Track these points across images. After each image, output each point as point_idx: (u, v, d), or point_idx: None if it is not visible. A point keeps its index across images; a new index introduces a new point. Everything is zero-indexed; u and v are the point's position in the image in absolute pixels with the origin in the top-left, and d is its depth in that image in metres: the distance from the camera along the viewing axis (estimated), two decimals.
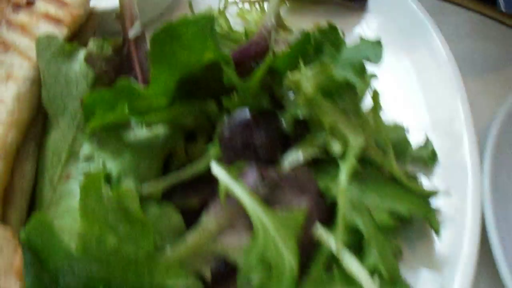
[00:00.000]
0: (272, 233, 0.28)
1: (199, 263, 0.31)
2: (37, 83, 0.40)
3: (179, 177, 0.33)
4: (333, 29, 0.37)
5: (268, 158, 0.32)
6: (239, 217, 0.30)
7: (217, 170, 0.30)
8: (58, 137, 0.38)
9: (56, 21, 0.43)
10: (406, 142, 0.38)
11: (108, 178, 0.32)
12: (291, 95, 0.36)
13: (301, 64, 0.33)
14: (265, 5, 0.45)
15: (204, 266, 0.31)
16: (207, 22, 0.32)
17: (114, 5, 0.44)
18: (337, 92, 0.35)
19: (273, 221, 0.29)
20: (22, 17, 0.44)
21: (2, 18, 0.42)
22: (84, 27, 0.46)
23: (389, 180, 0.35)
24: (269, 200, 0.29)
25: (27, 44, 0.41)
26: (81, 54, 0.38)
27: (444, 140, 0.38)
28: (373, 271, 0.29)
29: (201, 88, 0.34)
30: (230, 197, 0.30)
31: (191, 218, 0.33)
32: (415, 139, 0.38)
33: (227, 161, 0.31)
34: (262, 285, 0.28)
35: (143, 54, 0.37)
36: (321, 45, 0.37)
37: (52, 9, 0.44)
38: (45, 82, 0.39)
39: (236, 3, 0.46)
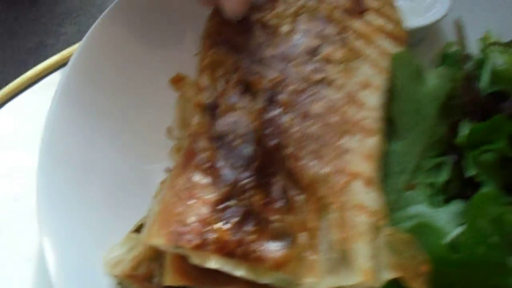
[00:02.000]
0: None
1: None
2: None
3: None
4: None
5: None
6: None
7: None
8: (404, 149, 0.46)
9: (393, 37, 0.48)
10: None
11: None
12: None
13: None
14: None
15: None
16: None
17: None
18: None
19: None
20: (359, 25, 0.47)
21: (340, 24, 0.46)
22: None
23: None
24: None
25: (376, 55, 0.46)
26: (432, 75, 0.46)
27: None
28: None
29: None
30: None
31: None
32: None
33: None
34: None
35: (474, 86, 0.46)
36: None
37: (385, 24, 0.48)
38: (398, 97, 0.46)
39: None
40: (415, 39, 0.57)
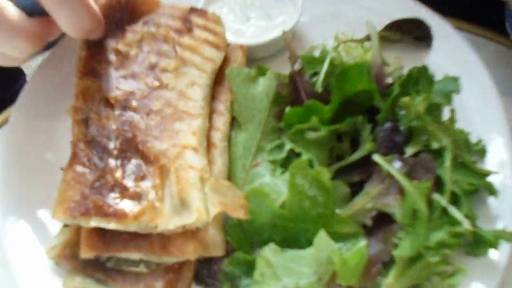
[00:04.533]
0: (413, 194, 0.56)
1: (363, 216, 0.58)
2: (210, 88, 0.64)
3: (344, 163, 0.60)
4: (425, 68, 0.65)
5: (399, 150, 0.60)
6: (391, 186, 0.57)
7: (378, 159, 0.57)
8: (247, 137, 0.63)
9: (214, 45, 0.66)
10: (468, 141, 0.68)
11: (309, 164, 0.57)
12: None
13: (414, 93, 0.61)
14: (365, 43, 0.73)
15: (367, 218, 0.58)
16: (364, 66, 0.59)
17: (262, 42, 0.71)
18: (431, 110, 0.63)
19: (413, 188, 0.56)
20: (187, 40, 0.65)
21: (173, 42, 0.64)
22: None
23: (461, 165, 0.64)
24: (409, 175, 0.57)
25: (200, 61, 0.64)
26: (262, 79, 0.63)
27: (492, 142, 0.68)
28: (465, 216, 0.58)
29: (353, 108, 0.61)
30: (384, 174, 0.58)
31: (353, 189, 0.60)
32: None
33: (382, 153, 0.58)
34: (408, 225, 0.56)
35: (305, 80, 0.63)
36: (417, 78, 0.65)
37: (208, 37, 0.66)
38: (237, 99, 0.63)
39: (344, 41, 0.73)
40: (277, 48, 0.75)
